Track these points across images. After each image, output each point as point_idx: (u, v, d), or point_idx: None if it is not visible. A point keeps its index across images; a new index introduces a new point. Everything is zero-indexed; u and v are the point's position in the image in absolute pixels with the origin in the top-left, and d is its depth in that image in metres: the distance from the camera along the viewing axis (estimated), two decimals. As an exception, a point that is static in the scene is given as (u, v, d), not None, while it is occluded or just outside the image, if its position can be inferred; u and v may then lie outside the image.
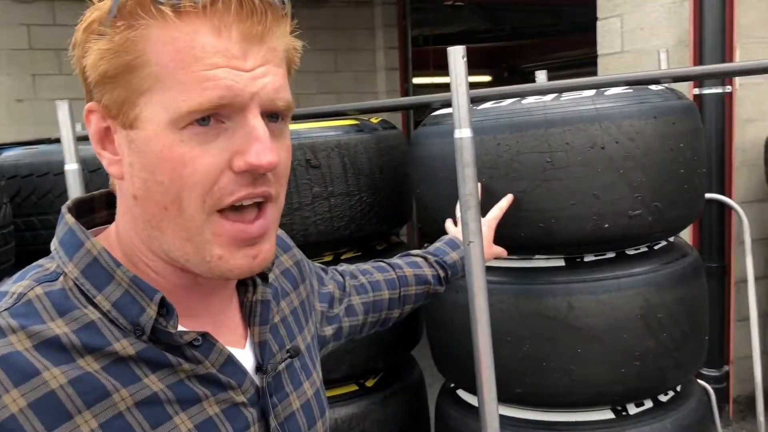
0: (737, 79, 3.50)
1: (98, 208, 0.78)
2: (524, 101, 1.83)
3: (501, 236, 1.78)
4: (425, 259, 1.37)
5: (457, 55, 1.41)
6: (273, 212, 0.69)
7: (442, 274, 1.37)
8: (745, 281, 3.38)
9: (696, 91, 3.47)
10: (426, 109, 2.17)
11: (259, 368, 0.76)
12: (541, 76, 1.97)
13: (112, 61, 0.63)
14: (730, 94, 3.48)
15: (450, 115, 2.00)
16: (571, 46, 8.95)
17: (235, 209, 0.66)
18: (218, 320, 0.75)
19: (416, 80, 7.00)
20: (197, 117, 0.62)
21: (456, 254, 1.45)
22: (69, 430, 0.61)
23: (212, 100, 0.62)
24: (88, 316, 0.66)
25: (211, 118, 0.63)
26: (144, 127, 0.64)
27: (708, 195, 3.08)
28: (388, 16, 6.54)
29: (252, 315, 0.79)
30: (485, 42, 9.35)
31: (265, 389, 0.76)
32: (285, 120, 0.69)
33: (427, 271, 1.33)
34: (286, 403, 0.80)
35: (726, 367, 3.64)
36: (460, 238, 1.49)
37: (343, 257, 2.31)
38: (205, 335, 0.70)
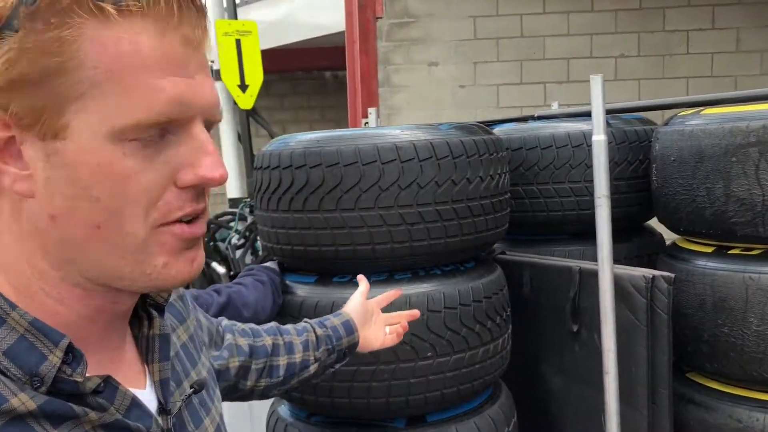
0: None
1: None
2: None
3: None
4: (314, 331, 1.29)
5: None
6: (204, 221, 0.68)
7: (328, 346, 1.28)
8: None
9: None
10: None
11: (163, 409, 0.72)
12: None
13: (36, 62, 0.56)
14: None
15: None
16: None
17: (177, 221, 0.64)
18: (115, 357, 0.70)
19: None
20: (144, 130, 0.59)
21: (346, 341, 1.32)
22: None
23: (162, 113, 0.59)
24: None
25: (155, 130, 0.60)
26: (74, 138, 0.58)
27: None
28: None
29: (150, 351, 0.74)
30: None
31: (172, 430, 0.72)
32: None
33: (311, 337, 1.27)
34: None
35: None
36: (359, 316, 1.36)
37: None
38: (107, 378, 0.64)
